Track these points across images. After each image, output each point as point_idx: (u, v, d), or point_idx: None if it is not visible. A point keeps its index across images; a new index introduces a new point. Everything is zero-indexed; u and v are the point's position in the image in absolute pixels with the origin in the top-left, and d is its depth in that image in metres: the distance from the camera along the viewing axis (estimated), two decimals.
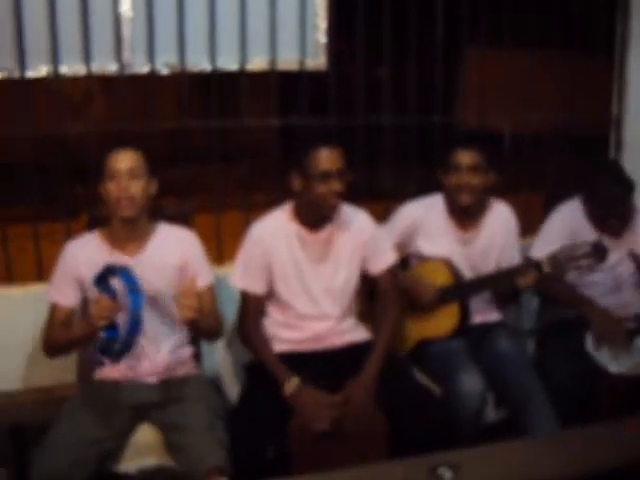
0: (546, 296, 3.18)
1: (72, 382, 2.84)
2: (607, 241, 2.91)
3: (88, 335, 2.51)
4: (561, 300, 3.07)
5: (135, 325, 2.58)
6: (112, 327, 2.53)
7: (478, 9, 3.61)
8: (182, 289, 2.39)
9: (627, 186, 2.99)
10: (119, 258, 2.57)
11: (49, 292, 2.61)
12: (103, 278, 2.56)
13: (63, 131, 3.14)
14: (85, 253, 2.59)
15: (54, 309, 2.59)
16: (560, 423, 2.71)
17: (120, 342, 2.59)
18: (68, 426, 2.41)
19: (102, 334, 2.55)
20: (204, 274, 2.65)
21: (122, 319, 2.55)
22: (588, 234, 3.00)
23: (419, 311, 2.96)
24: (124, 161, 2.49)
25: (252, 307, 2.75)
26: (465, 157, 2.87)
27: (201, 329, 2.58)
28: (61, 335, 2.56)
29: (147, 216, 2.61)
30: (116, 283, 2.56)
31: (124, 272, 2.56)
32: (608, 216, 3.00)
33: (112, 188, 2.49)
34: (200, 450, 2.37)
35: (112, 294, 2.51)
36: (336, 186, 2.58)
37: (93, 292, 2.55)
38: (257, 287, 2.73)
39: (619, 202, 2.99)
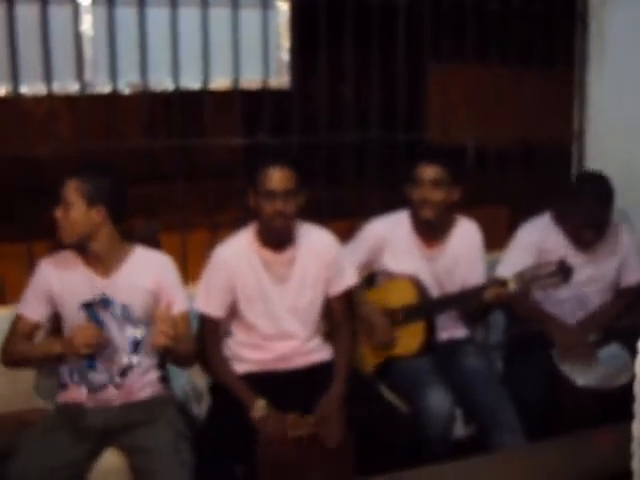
0: (511, 312, 3.18)
1: (35, 408, 2.78)
2: (578, 257, 2.93)
3: (62, 356, 2.49)
4: (525, 316, 3.09)
5: (129, 368, 2.57)
6: (91, 356, 2.50)
7: (440, 26, 3.64)
8: (159, 315, 2.38)
9: (608, 197, 2.96)
10: (92, 278, 2.53)
11: (19, 304, 2.60)
12: (92, 305, 2.53)
13: (26, 151, 3.09)
14: (58, 270, 2.56)
15: (18, 320, 2.57)
16: (528, 437, 2.71)
17: (105, 377, 2.55)
18: (31, 453, 2.37)
19: (80, 360, 2.51)
20: (180, 300, 2.61)
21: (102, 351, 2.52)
22: (559, 247, 3.00)
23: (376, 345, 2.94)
24: (62, 190, 2.48)
25: (212, 331, 2.74)
26: (429, 171, 2.87)
27: (175, 355, 2.56)
28: (25, 347, 2.55)
29: (111, 239, 2.53)
30: (105, 314, 2.53)
31: (124, 310, 2.54)
32: (585, 226, 2.97)
33: None
34: (163, 473, 2.36)
35: (99, 324, 2.50)
36: (279, 206, 2.58)
37: (69, 311, 2.53)
38: (218, 311, 2.71)
39: (599, 212, 2.96)
